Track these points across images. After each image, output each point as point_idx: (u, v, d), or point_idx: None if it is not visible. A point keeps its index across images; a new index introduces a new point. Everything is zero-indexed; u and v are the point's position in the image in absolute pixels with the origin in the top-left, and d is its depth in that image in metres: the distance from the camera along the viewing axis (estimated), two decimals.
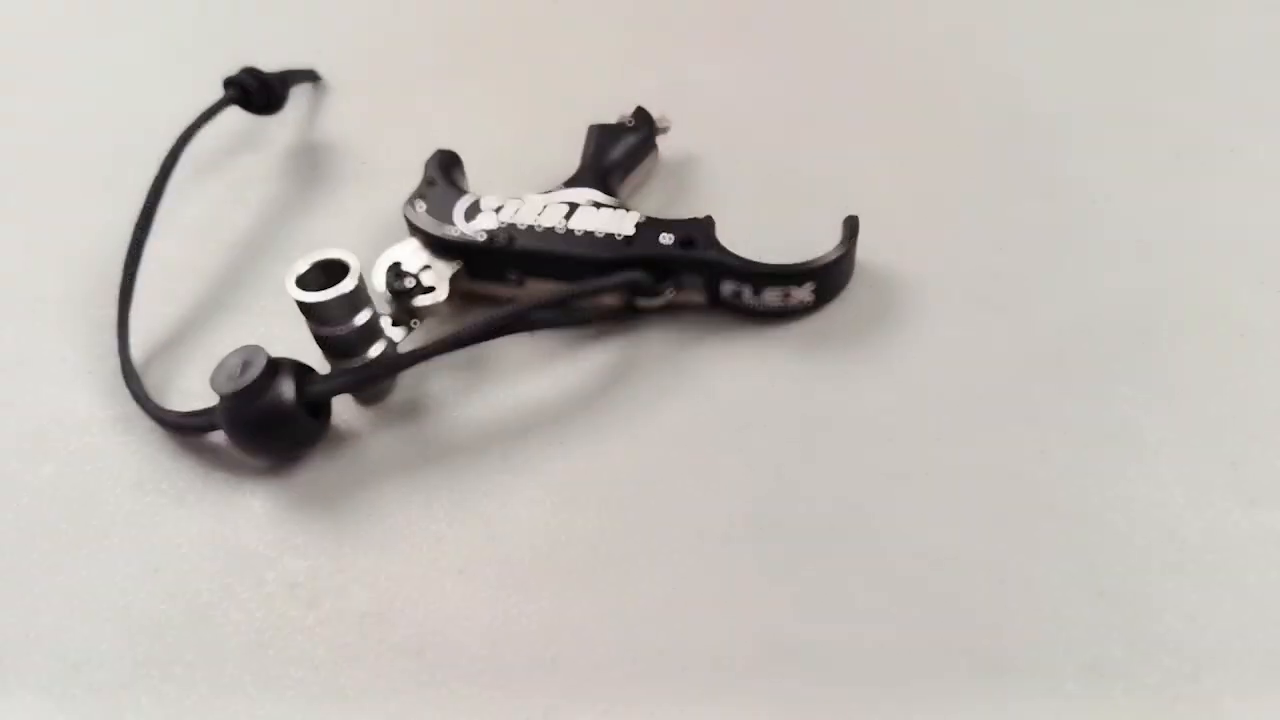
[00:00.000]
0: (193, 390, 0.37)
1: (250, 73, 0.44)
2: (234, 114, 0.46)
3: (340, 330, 0.32)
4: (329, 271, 0.33)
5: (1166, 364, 0.32)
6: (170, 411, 0.35)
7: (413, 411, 0.35)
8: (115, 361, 0.38)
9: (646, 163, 0.41)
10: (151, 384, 0.37)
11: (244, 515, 0.33)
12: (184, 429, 0.34)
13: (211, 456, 0.35)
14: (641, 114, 0.41)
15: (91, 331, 0.40)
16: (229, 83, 0.44)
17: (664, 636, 0.28)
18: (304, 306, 0.32)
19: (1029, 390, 0.32)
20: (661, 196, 0.42)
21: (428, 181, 0.38)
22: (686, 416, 0.33)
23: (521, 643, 0.28)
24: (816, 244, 0.37)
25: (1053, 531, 0.29)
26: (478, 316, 0.33)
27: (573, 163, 0.44)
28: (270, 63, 0.47)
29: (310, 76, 0.50)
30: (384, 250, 0.41)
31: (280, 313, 0.39)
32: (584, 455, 0.33)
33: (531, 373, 0.36)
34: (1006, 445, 0.31)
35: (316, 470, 0.34)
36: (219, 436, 0.34)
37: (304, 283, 0.33)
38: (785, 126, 0.45)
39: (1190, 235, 0.37)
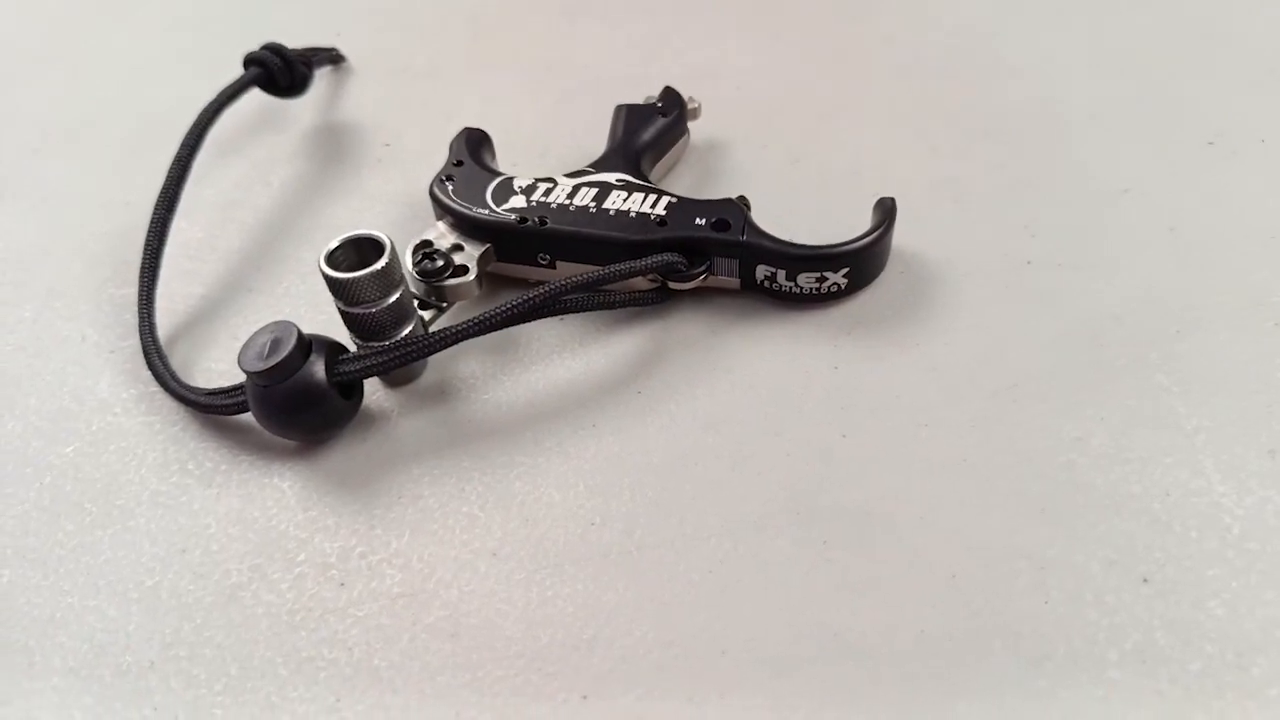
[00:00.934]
0: (216, 370, 0.37)
1: (273, 50, 0.44)
2: (256, 94, 0.45)
3: (372, 310, 0.32)
4: (361, 250, 0.33)
5: (1201, 353, 0.32)
6: (195, 389, 0.34)
7: (443, 393, 0.35)
8: (137, 341, 0.38)
9: (678, 146, 0.41)
10: (175, 365, 0.36)
11: (273, 496, 0.32)
12: (210, 409, 0.33)
13: (238, 437, 0.34)
14: (671, 95, 0.41)
15: (113, 312, 0.40)
16: (251, 60, 0.44)
17: (701, 620, 0.28)
18: (335, 284, 0.32)
19: (1065, 378, 0.32)
20: (689, 180, 0.41)
21: (455, 162, 0.38)
22: (720, 400, 0.33)
23: (558, 625, 0.28)
24: (844, 229, 0.37)
25: (1093, 519, 0.29)
26: (510, 298, 0.32)
27: (598, 144, 0.44)
28: (287, 43, 0.46)
29: (334, 57, 0.50)
30: (410, 231, 0.41)
31: (304, 295, 0.39)
32: (617, 438, 0.32)
33: (562, 355, 0.35)
34: (1045, 433, 0.31)
35: (346, 451, 0.33)
36: (247, 416, 0.33)
37: (335, 261, 0.32)
38: (813, 112, 0.44)
39: (1221, 225, 0.36)
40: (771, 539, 0.29)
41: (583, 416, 0.33)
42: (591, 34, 0.52)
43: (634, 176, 0.37)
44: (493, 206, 0.36)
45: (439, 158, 0.44)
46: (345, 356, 0.32)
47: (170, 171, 0.40)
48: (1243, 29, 0.46)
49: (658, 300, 0.35)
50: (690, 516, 0.30)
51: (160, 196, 0.39)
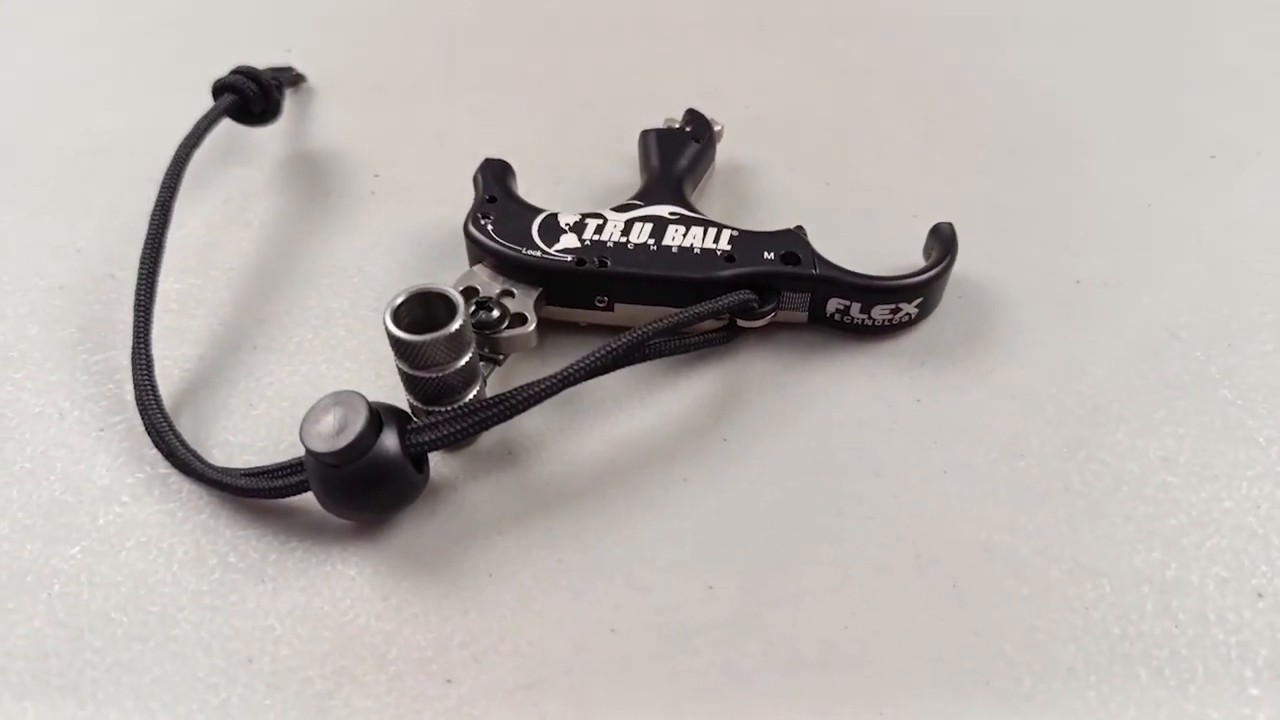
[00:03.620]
0: (236, 444, 0.33)
1: (246, 74, 0.39)
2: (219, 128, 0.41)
3: (441, 373, 0.29)
4: (427, 305, 0.30)
5: (1254, 364, 0.34)
6: (229, 471, 0.30)
7: (510, 454, 0.32)
8: (131, 416, 0.33)
9: (709, 172, 0.39)
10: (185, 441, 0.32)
11: (342, 585, 0.29)
12: (255, 493, 0.30)
13: (281, 520, 0.30)
14: (697, 118, 0.39)
15: (91, 381, 0.35)
16: (223, 87, 0.39)
17: (850, 682, 0.27)
18: (404, 346, 0.28)
19: (1139, 397, 0.33)
20: (722, 207, 0.40)
21: (488, 198, 0.35)
22: (809, 442, 0.32)
23: (698, 703, 0.26)
24: (890, 253, 0.37)
25: (1197, 538, 0.29)
26: (594, 349, 0.30)
27: (612, 167, 0.42)
28: (225, 65, 0.42)
29: (294, 78, 0.45)
30: (429, 274, 0.38)
31: (322, 350, 0.35)
32: (712, 491, 0.31)
33: (632, 404, 0.33)
34: (1134, 454, 0.31)
35: (415, 528, 0.30)
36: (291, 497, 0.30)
37: (399, 319, 0.29)
38: (829, 131, 0.44)
39: (1240, 235, 0.38)
40: (900, 585, 0.28)
41: (671, 470, 0.31)
42: (581, 48, 0.50)
43: (684, 208, 0.35)
44: (544, 247, 0.33)
45: (441, 188, 0.41)
46: (417, 426, 0.29)
47: (153, 217, 0.35)
48: (1227, 48, 0.48)
49: (727, 340, 0.34)
50: (808, 569, 0.29)
51: (146, 247, 0.34)
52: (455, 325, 0.28)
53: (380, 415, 0.28)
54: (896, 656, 0.27)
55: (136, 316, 0.33)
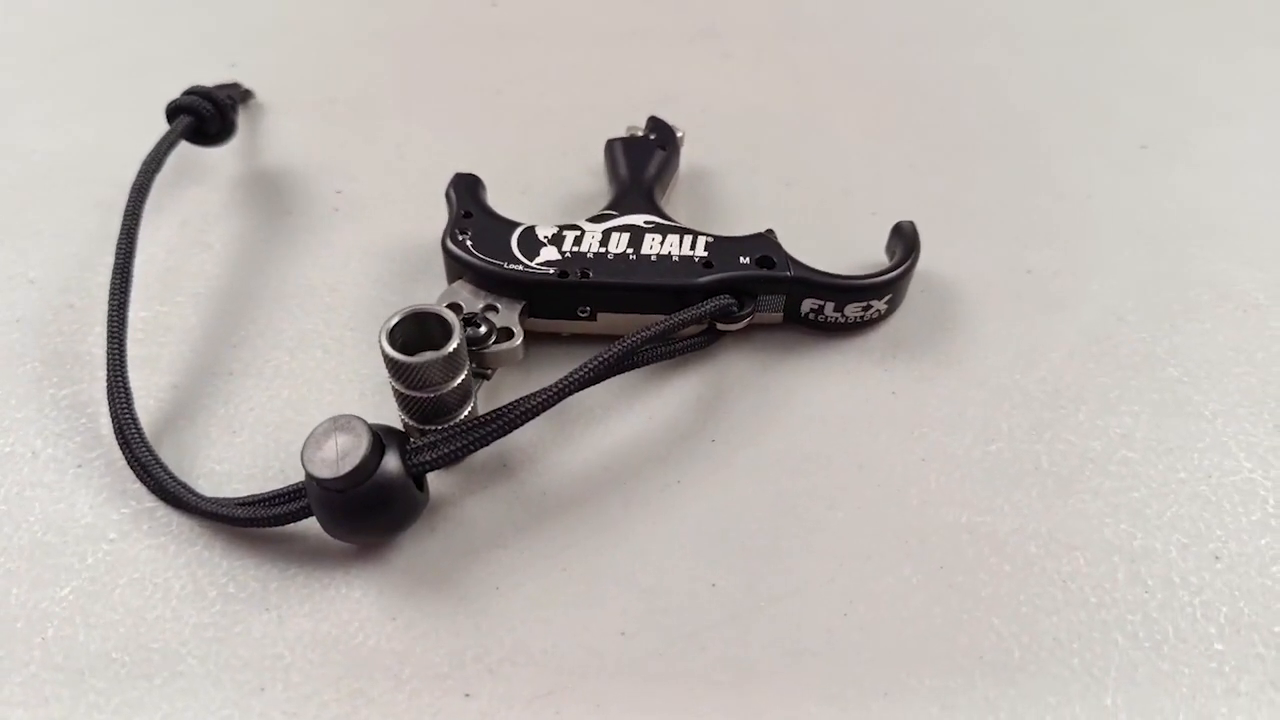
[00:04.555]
0: (221, 473, 0.32)
1: (201, 94, 0.38)
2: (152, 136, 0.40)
3: (438, 393, 0.29)
4: (423, 325, 0.30)
5: (1195, 343, 0.36)
6: (222, 501, 0.30)
7: (505, 467, 0.32)
8: (108, 450, 0.32)
9: (674, 178, 0.40)
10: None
11: (348, 608, 0.29)
12: (253, 522, 0.29)
13: (279, 547, 0.30)
14: (661, 125, 0.40)
15: (61, 416, 0.34)
16: (178, 108, 0.38)
17: (854, 667, 0.28)
18: (401, 368, 0.29)
19: (1094, 379, 0.35)
20: (688, 211, 0.41)
21: (463, 213, 0.35)
22: (794, 439, 0.33)
23: (713, 699, 0.27)
24: (854, 251, 0.38)
25: (1158, 508, 0.31)
26: (586, 359, 0.30)
27: (578, 176, 0.43)
28: (167, 81, 0.41)
29: (242, 93, 0.44)
30: (404, 290, 0.38)
31: (301, 373, 0.35)
32: (705, 492, 0.32)
33: (620, 411, 0.34)
34: (1096, 433, 0.33)
35: (416, 546, 0.30)
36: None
37: (393, 340, 0.29)
38: (785, 132, 0.45)
39: (1173, 221, 0.41)
40: (892, 570, 0.30)
41: (663, 474, 0.32)
42: (532, 57, 0.50)
43: (658, 216, 0.36)
44: (525, 261, 0.34)
45: (405, 202, 0.41)
46: (418, 445, 0.29)
47: (119, 246, 0.34)
48: (1149, 46, 0.51)
49: (708, 343, 0.35)
50: (805, 561, 0.30)
51: (115, 276, 0.34)
52: (452, 346, 0.29)
53: (381, 437, 0.28)
54: (895, 639, 0.28)
55: (110, 348, 0.32)
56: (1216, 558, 0.30)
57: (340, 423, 0.28)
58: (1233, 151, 0.44)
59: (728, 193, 0.42)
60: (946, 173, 0.43)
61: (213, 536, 0.31)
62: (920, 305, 0.37)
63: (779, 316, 0.35)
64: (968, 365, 0.35)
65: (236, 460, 0.33)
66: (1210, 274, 0.38)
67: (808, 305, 0.35)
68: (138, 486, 0.32)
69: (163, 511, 0.31)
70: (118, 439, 0.32)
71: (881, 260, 0.38)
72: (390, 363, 0.29)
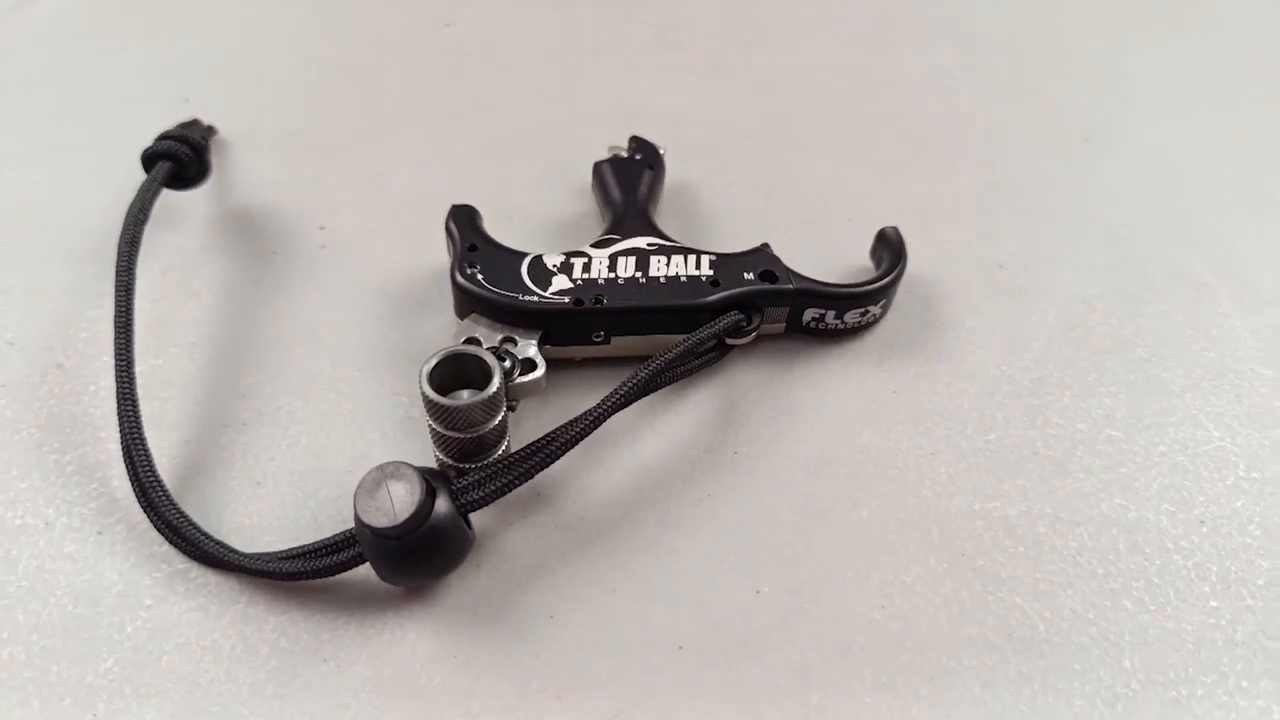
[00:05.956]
0: (252, 526, 0.32)
1: (177, 138, 0.37)
2: (128, 190, 0.38)
3: (478, 433, 0.30)
4: (461, 364, 0.30)
5: (1157, 324, 0.39)
6: (265, 556, 0.30)
7: (539, 497, 0.33)
8: (126, 513, 0.32)
9: (661, 195, 0.41)
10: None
11: (405, 651, 0.29)
12: (307, 574, 0.29)
13: (319, 598, 0.30)
14: (645, 144, 0.41)
15: (68, 484, 0.33)
16: (156, 155, 0.37)
17: (902, 655, 0.30)
18: (443, 411, 0.29)
19: (1073, 364, 0.37)
20: (677, 226, 0.42)
21: (469, 246, 0.35)
22: (811, 444, 0.35)
23: (775, 703, 0.29)
24: (840, 257, 0.40)
25: (1146, 480, 0.34)
26: (618, 385, 0.31)
27: (560, 198, 0.43)
28: (117, 119, 0.40)
29: (206, 130, 0.43)
30: (407, 327, 0.38)
31: (317, 418, 0.35)
32: (736, 501, 0.33)
33: (640, 430, 0.35)
34: (1081, 415, 0.36)
35: (463, 583, 0.31)
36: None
37: (432, 381, 0.29)
38: (757, 144, 0.46)
39: (1123, 207, 0.44)
40: (919, 562, 0.32)
41: (693, 488, 0.33)
42: (492, 79, 0.50)
43: (659, 238, 0.37)
44: (539, 291, 0.34)
45: (391, 233, 0.41)
46: (464, 485, 0.29)
47: (118, 304, 0.34)
48: (1081, 42, 0.54)
49: (720, 358, 0.36)
50: (839, 561, 0.32)
51: (117, 334, 0.33)
52: (494, 387, 0.29)
53: (430, 482, 0.29)
54: (931, 625, 0.30)
55: (122, 410, 0.32)
56: (1201, 522, 0.33)
57: (389, 470, 0.28)
58: (1166, 139, 0.48)
59: (710, 205, 0.43)
60: (911, 175, 0.45)
61: (254, 592, 0.30)
62: (906, 306, 0.39)
63: (781, 327, 0.37)
64: (958, 360, 0.37)
65: (264, 513, 0.32)
66: (1162, 257, 0.42)
67: (809, 314, 0.36)
68: (165, 548, 0.31)
69: (196, 572, 0.31)
70: (141, 502, 0.31)
71: (865, 264, 0.40)
72: (433, 406, 0.29)
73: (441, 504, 0.28)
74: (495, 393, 0.29)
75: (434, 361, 0.29)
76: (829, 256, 0.40)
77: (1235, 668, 0.30)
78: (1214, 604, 0.31)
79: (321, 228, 0.41)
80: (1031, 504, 0.33)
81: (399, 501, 0.27)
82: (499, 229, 0.38)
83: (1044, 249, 0.42)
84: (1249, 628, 0.31)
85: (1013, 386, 0.37)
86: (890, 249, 0.38)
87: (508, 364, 0.33)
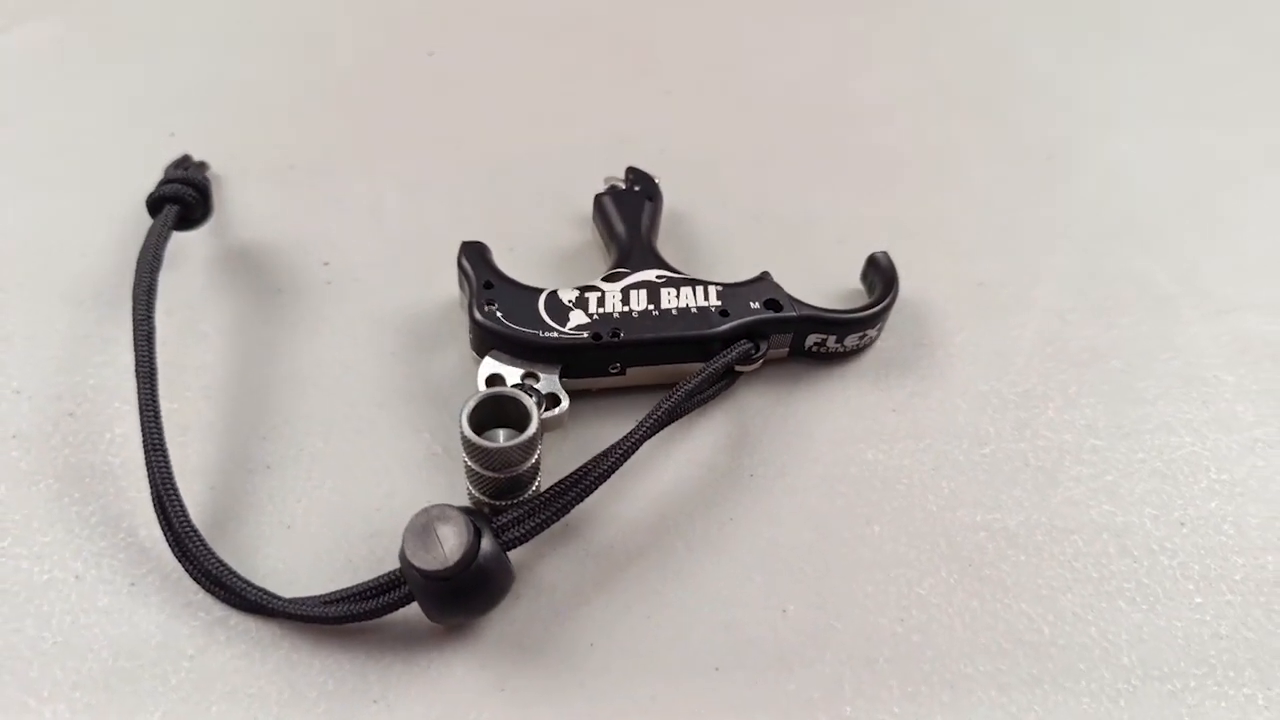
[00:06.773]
0: (286, 571, 0.32)
1: (183, 181, 0.37)
2: (124, 232, 0.38)
3: (516, 471, 0.31)
4: (500, 405, 0.31)
5: (1126, 336, 0.42)
6: (308, 600, 0.30)
7: (567, 528, 0.34)
8: (158, 563, 0.32)
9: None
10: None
11: (453, 687, 0.30)
12: (353, 618, 0.30)
13: (361, 639, 0.31)
14: (642, 175, 0.42)
15: (92, 535, 0.33)
16: (163, 199, 0.37)
17: (922, 665, 0.32)
18: (483, 452, 0.30)
19: (1054, 377, 0.40)
20: (674, 254, 0.43)
21: (485, 284, 0.36)
22: (822, 464, 0.36)
23: (812, 714, 0.30)
24: (832, 279, 0.42)
25: (1129, 486, 0.37)
26: (644, 417, 0.33)
27: (559, 229, 0.44)
28: (103, 154, 0.40)
29: (199, 166, 0.43)
30: (419, 365, 0.39)
31: (344, 456, 0.36)
32: (757, 523, 0.34)
33: (659, 460, 0.36)
34: (1065, 427, 0.38)
35: (503, 617, 0.32)
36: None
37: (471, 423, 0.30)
38: (742, 167, 0.48)
39: (1089, 223, 0.46)
40: (932, 574, 0.34)
41: (715, 511, 0.35)
42: (478, 107, 0.50)
43: (666, 270, 0.38)
44: (558, 327, 0.35)
45: (396, 267, 0.42)
46: (505, 522, 0.30)
47: (138, 354, 0.33)
48: (1039, 61, 0.57)
49: (730, 384, 0.37)
50: (858, 576, 0.33)
51: (140, 384, 0.33)
52: (533, 429, 0.30)
53: (475, 522, 0.29)
54: (948, 634, 0.32)
55: (152, 460, 0.32)
56: (1182, 524, 0.36)
57: (434, 514, 0.29)
58: (1122, 155, 0.50)
59: (703, 232, 0.44)
60: (890, 196, 0.47)
61: (296, 637, 0.31)
62: (897, 326, 0.41)
63: (785, 352, 0.38)
64: (949, 377, 0.40)
65: (297, 557, 0.33)
66: (1127, 270, 0.44)
67: (812, 339, 0.38)
68: (201, 597, 0.31)
69: (236, 619, 0.31)
70: (175, 552, 0.31)
71: (856, 287, 0.42)
72: (473, 448, 0.30)
73: (486, 543, 0.29)
74: (534, 434, 0.30)
75: (473, 404, 0.30)
76: (822, 279, 0.41)
77: (1222, 659, 0.32)
78: (1198, 600, 0.34)
79: (325, 263, 0.41)
80: (1028, 514, 0.36)
81: (448, 544, 0.28)
82: (501, 260, 0.39)
83: (1018, 267, 0.44)
84: (1230, 621, 0.33)
85: (1001, 401, 0.39)
86: (882, 274, 0.40)
87: (533, 399, 0.34)
